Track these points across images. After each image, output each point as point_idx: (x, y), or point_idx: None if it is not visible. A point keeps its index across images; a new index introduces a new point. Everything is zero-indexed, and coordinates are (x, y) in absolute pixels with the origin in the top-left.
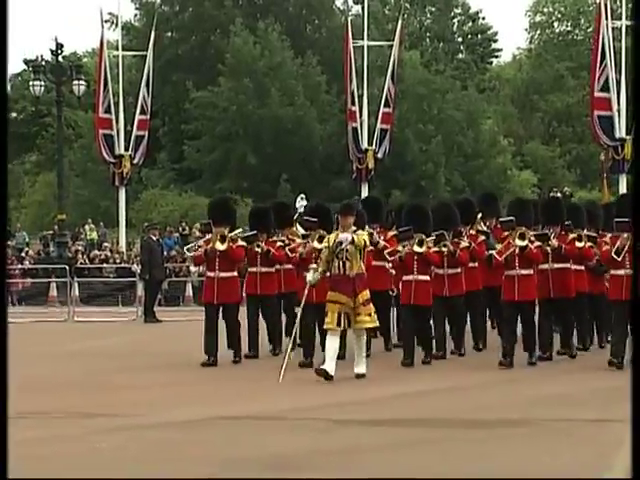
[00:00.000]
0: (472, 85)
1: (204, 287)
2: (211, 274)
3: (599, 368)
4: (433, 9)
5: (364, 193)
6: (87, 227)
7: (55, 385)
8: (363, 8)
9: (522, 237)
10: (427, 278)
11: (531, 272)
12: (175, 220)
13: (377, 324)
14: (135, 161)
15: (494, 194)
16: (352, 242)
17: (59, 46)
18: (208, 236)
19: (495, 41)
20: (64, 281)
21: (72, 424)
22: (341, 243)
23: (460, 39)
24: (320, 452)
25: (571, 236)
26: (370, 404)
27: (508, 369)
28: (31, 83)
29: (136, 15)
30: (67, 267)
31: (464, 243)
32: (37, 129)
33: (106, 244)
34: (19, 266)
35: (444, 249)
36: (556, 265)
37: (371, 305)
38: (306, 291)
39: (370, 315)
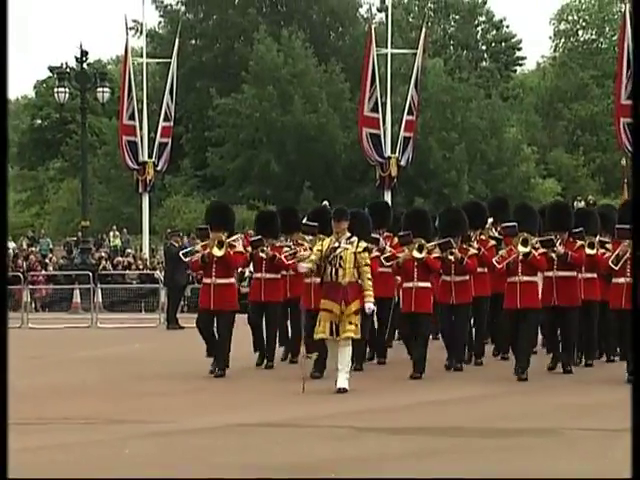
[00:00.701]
0: (496, 93)
1: (200, 293)
2: (207, 280)
3: (619, 379)
4: (457, 17)
5: (387, 201)
6: (111, 234)
7: (78, 391)
8: (387, 16)
9: (525, 243)
10: (428, 285)
11: (534, 279)
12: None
13: (359, 335)
14: (158, 168)
15: (505, 199)
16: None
17: (84, 53)
18: (201, 243)
19: (519, 49)
20: (87, 287)
21: (95, 430)
22: (335, 249)
23: (484, 47)
24: (343, 460)
25: (579, 243)
26: (388, 412)
27: (522, 381)
28: (56, 90)
29: (160, 22)
30: (90, 274)
31: (473, 250)
32: (61, 136)
33: (129, 251)
34: (43, 272)
35: (451, 257)
36: (561, 273)
37: (359, 316)
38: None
39: (356, 325)
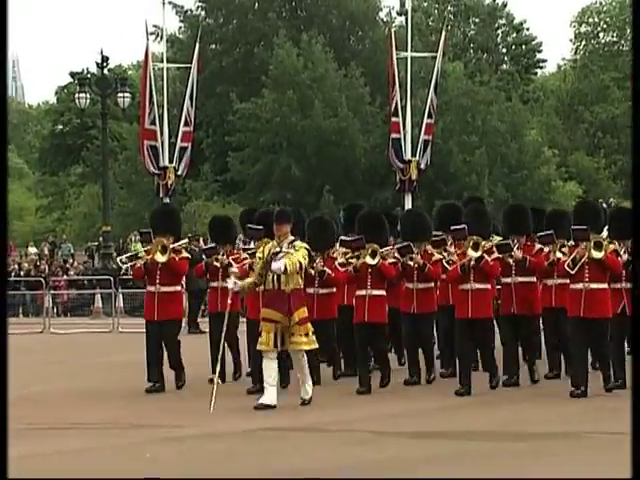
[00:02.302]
0: (516, 96)
1: (144, 302)
2: (151, 288)
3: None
4: (477, 20)
5: (407, 204)
6: (132, 238)
7: (99, 396)
8: (407, 19)
9: (476, 247)
10: (382, 293)
11: (488, 286)
12: None
13: (315, 345)
14: (179, 173)
15: (483, 199)
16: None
17: (105, 59)
18: (139, 248)
19: (540, 52)
20: (109, 292)
21: (117, 435)
22: (276, 254)
23: (504, 50)
24: (363, 465)
25: (537, 247)
26: (410, 416)
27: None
28: (77, 95)
29: (180, 28)
30: (112, 278)
31: (437, 255)
32: (82, 141)
33: None
34: (64, 277)
35: (410, 262)
36: (520, 279)
37: (309, 325)
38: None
39: (307, 335)
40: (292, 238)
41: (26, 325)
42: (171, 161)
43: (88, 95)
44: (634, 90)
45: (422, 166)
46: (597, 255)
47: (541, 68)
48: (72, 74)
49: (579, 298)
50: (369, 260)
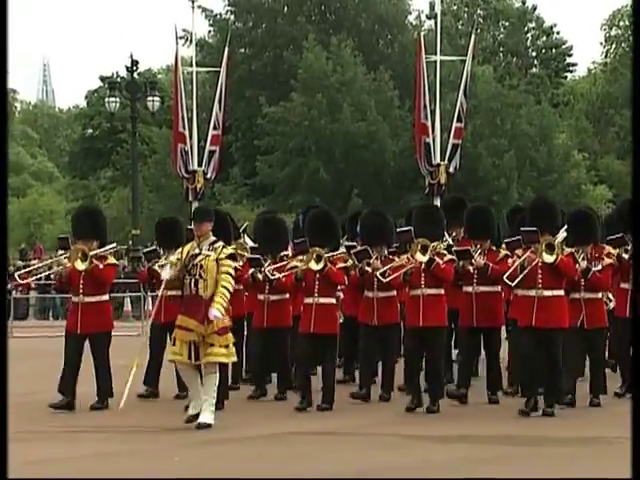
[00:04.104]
0: (546, 99)
1: (68, 313)
2: (75, 299)
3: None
4: (507, 23)
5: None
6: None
7: (127, 400)
8: (436, 23)
9: (424, 250)
10: (332, 301)
11: (440, 292)
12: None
13: (234, 359)
14: (208, 176)
15: (463, 199)
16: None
17: (134, 63)
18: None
19: (570, 55)
20: (138, 296)
21: (146, 439)
22: (194, 257)
23: (534, 53)
24: (390, 468)
25: (503, 253)
26: (434, 420)
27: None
28: (107, 99)
29: (210, 32)
30: (141, 282)
31: (398, 261)
32: (112, 145)
33: None
34: None
35: (368, 268)
36: (482, 288)
37: (229, 335)
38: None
39: (227, 347)
40: (213, 239)
41: (56, 328)
42: (200, 164)
43: (118, 99)
44: (634, 87)
45: (451, 170)
46: (548, 259)
47: (571, 72)
48: (102, 78)
49: (531, 306)
50: (312, 265)
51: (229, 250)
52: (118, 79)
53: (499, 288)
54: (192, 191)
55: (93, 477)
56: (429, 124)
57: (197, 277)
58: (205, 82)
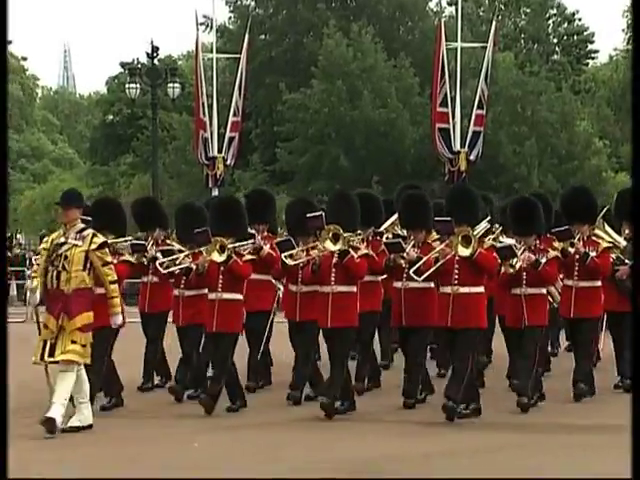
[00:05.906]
0: (567, 86)
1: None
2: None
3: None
4: (528, 10)
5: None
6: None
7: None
8: (457, 10)
9: (336, 238)
10: (238, 297)
11: (353, 289)
12: None
13: (87, 360)
14: (227, 163)
15: (417, 187)
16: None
17: (155, 49)
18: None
19: (592, 42)
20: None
21: (163, 424)
22: (59, 246)
23: (555, 40)
24: (409, 456)
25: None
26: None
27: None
28: (127, 86)
29: (230, 18)
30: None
31: (361, 250)
32: (132, 131)
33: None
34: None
35: (290, 261)
36: (412, 284)
37: (89, 335)
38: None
39: (84, 347)
40: (82, 226)
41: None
42: (220, 151)
43: (138, 85)
44: (634, 89)
45: (472, 157)
46: (464, 252)
47: (593, 59)
48: (122, 64)
49: (447, 304)
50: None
51: (100, 239)
52: (138, 65)
53: (432, 284)
54: (212, 178)
55: (92, 477)
56: (449, 111)
57: (60, 269)
58: (225, 68)
